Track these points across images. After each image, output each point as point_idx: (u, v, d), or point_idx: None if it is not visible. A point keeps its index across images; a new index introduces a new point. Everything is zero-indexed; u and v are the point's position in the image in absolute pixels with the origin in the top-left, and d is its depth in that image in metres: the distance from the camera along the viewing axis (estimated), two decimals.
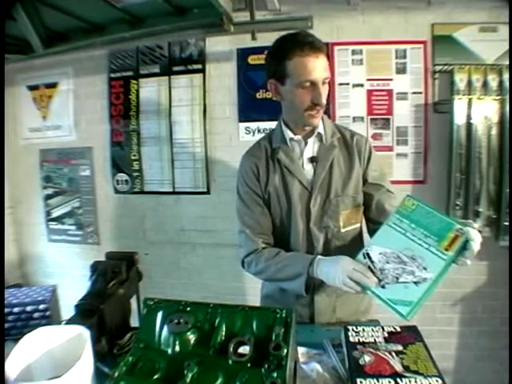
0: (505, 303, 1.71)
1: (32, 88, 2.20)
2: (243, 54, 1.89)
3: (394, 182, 1.80)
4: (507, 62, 1.68)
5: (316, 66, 0.93)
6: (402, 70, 1.79)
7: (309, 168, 1.05)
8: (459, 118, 1.69)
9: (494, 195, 1.69)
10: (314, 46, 0.93)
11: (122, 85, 2.04)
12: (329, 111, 1.84)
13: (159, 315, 0.68)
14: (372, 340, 0.84)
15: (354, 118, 1.84)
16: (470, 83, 1.69)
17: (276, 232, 1.10)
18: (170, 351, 0.64)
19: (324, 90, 0.97)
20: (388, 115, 1.82)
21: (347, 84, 1.83)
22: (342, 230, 1.06)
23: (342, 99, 1.84)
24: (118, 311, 0.92)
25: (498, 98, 1.66)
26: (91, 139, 2.12)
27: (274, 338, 0.62)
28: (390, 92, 1.81)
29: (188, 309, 0.68)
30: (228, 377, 0.59)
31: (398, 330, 0.86)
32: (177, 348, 0.64)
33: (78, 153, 2.14)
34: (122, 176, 2.09)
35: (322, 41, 0.96)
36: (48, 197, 2.24)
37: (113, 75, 2.05)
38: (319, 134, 1.05)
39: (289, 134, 1.05)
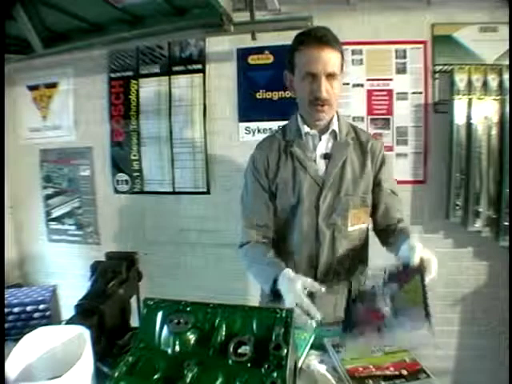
0: (505, 303, 1.71)
1: (32, 88, 2.19)
2: (243, 54, 1.88)
3: None
4: (507, 62, 1.68)
5: (318, 59, 0.93)
6: (402, 70, 1.79)
7: (321, 164, 1.05)
8: (459, 118, 1.69)
9: (494, 195, 1.69)
10: (321, 39, 0.93)
11: (121, 85, 2.03)
12: None
13: (159, 315, 0.68)
14: (369, 288, 0.86)
15: (353, 117, 1.83)
16: (470, 83, 1.69)
17: (281, 225, 1.09)
18: (170, 351, 0.64)
19: (330, 85, 0.96)
20: (388, 115, 1.82)
21: (347, 84, 1.82)
22: (350, 229, 1.06)
23: (342, 99, 1.82)
24: (118, 311, 0.92)
25: (498, 97, 1.66)
26: (91, 139, 2.12)
27: (274, 338, 0.62)
28: (390, 92, 1.81)
29: (188, 309, 0.68)
30: (228, 377, 0.59)
31: (401, 269, 0.85)
32: (177, 348, 0.63)
33: (78, 153, 2.14)
34: (122, 176, 2.09)
35: (336, 37, 0.96)
36: (48, 197, 2.23)
37: (113, 75, 2.04)
38: (333, 130, 1.05)
39: (304, 128, 1.05)
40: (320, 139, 1.05)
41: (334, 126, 1.05)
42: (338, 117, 1.08)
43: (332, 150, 1.05)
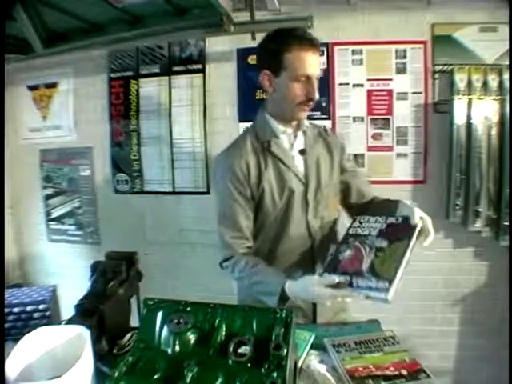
0: (505, 303, 1.71)
1: (32, 88, 2.19)
2: (243, 54, 1.88)
3: (393, 182, 1.81)
4: (507, 62, 1.68)
5: (313, 62, 0.97)
6: (402, 69, 1.79)
7: (299, 160, 1.07)
8: (459, 118, 1.69)
9: (494, 195, 1.69)
10: (313, 42, 0.97)
11: (122, 85, 2.03)
12: (329, 111, 1.84)
13: (159, 315, 0.68)
14: (367, 232, 0.90)
15: (353, 117, 1.84)
16: (470, 83, 1.69)
17: (269, 227, 1.07)
18: (170, 351, 0.64)
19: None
20: (388, 115, 1.82)
21: (347, 84, 1.83)
22: (332, 218, 1.12)
23: (342, 99, 1.84)
24: (118, 311, 0.92)
25: (498, 98, 1.66)
26: (91, 139, 2.12)
27: (273, 338, 0.62)
28: (390, 92, 1.81)
29: (188, 309, 0.68)
30: (228, 377, 0.59)
31: (400, 221, 0.90)
32: (177, 348, 0.64)
33: (78, 153, 2.14)
34: (122, 176, 2.09)
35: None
36: (48, 197, 2.23)
37: (113, 75, 2.04)
38: (306, 126, 1.09)
39: (279, 127, 1.06)
40: (296, 136, 1.08)
41: (306, 122, 1.09)
42: None
43: (305, 145, 1.08)
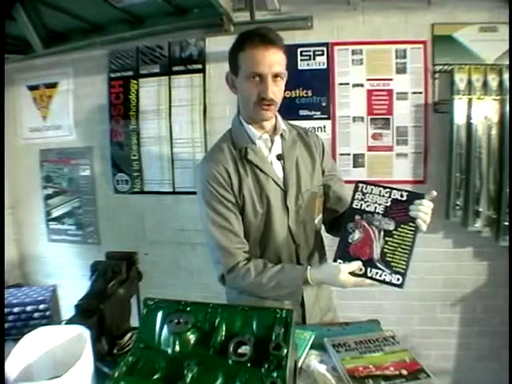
0: (505, 303, 1.71)
1: (32, 88, 2.19)
2: None
3: (393, 182, 1.81)
4: (507, 62, 1.68)
5: (265, 59, 0.91)
6: (402, 70, 1.79)
7: (277, 166, 1.04)
8: (459, 118, 1.69)
9: (494, 195, 1.69)
10: (265, 38, 0.92)
11: (121, 85, 2.03)
12: (329, 111, 1.84)
13: (159, 315, 0.68)
14: (372, 209, 0.90)
15: (353, 117, 1.84)
16: (470, 83, 1.69)
17: (253, 236, 1.04)
18: (170, 351, 0.64)
19: (276, 86, 0.95)
20: (388, 115, 1.82)
21: (347, 84, 1.83)
22: (316, 222, 1.09)
23: (342, 99, 1.84)
24: (118, 311, 0.92)
25: (498, 97, 1.66)
26: (91, 139, 2.12)
27: (274, 338, 0.62)
28: (390, 92, 1.81)
29: (188, 309, 0.68)
30: (228, 377, 0.59)
31: (404, 198, 0.91)
32: (177, 348, 0.64)
33: (78, 153, 2.14)
34: (122, 176, 2.09)
35: (279, 36, 0.95)
36: (48, 197, 2.23)
37: (113, 75, 2.05)
38: (283, 130, 1.05)
39: (254, 132, 1.02)
40: (272, 141, 1.04)
41: (283, 126, 1.05)
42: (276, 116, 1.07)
43: (283, 150, 1.05)
